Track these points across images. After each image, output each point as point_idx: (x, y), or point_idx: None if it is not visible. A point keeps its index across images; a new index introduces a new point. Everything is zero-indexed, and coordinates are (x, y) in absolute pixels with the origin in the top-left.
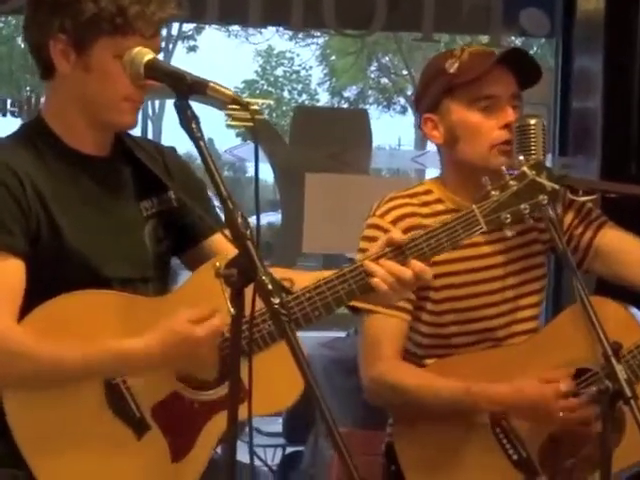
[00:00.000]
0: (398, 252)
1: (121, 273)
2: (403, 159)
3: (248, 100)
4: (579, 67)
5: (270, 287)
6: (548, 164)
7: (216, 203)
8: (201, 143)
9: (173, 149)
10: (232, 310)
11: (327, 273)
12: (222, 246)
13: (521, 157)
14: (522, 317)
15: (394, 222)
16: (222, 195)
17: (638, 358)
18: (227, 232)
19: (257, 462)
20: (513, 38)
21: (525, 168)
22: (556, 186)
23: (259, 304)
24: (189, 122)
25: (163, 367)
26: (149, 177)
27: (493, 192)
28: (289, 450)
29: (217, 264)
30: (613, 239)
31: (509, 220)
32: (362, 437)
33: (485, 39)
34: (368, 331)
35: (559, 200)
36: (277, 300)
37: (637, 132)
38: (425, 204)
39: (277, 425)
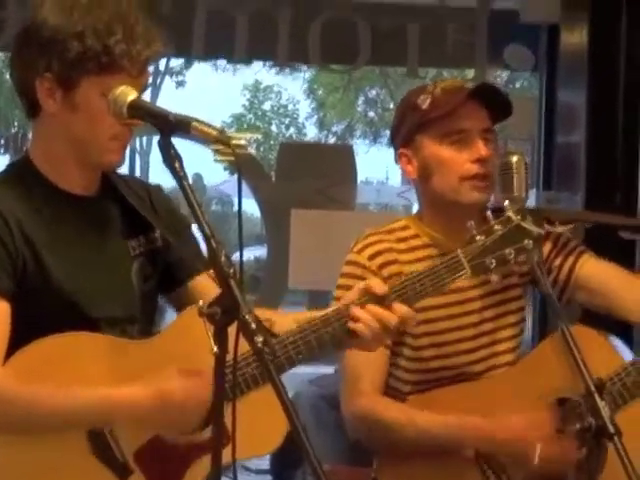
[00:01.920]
0: (384, 298)
1: (109, 313)
2: (390, 194)
3: (232, 136)
4: (563, 101)
5: (253, 326)
6: (532, 199)
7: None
8: (184, 182)
9: (159, 187)
10: (215, 349)
11: (306, 315)
12: (207, 286)
13: (506, 202)
14: (500, 350)
15: (371, 258)
16: (205, 234)
17: (617, 385)
18: (212, 272)
19: None
20: (499, 72)
21: (510, 213)
22: (541, 231)
23: (244, 346)
24: (172, 161)
25: (146, 423)
26: (136, 216)
27: (478, 237)
28: None
29: (200, 303)
30: (592, 269)
31: (494, 265)
32: (349, 473)
33: (471, 73)
34: (348, 366)
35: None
36: (260, 339)
37: (621, 166)
38: (402, 240)
39: (265, 462)
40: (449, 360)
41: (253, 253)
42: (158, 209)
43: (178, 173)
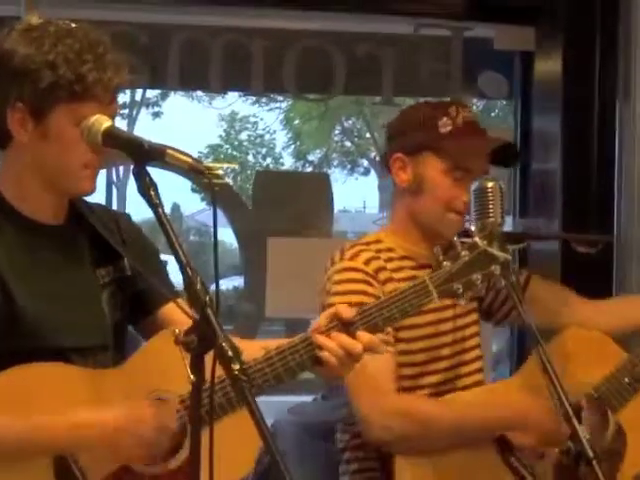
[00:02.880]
0: (349, 324)
1: (79, 343)
2: (367, 222)
3: (208, 166)
4: (538, 128)
5: (230, 354)
6: (508, 227)
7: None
8: (159, 210)
9: (127, 215)
10: (192, 377)
11: (275, 342)
12: (176, 315)
13: (472, 228)
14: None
15: (366, 263)
16: (181, 262)
17: (626, 377)
18: (180, 301)
19: None
20: (475, 101)
21: (477, 239)
22: (508, 256)
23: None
24: (147, 189)
25: (112, 448)
26: (104, 244)
27: (445, 262)
28: None
29: (176, 331)
30: (539, 289)
31: (461, 290)
32: None
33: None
34: (363, 372)
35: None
36: (237, 366)
37: (597, 192)
38: (379, 251)
39: None
40: (424, 379)
41: (232, 283)
42: (126, 237)
43: (153, 201)
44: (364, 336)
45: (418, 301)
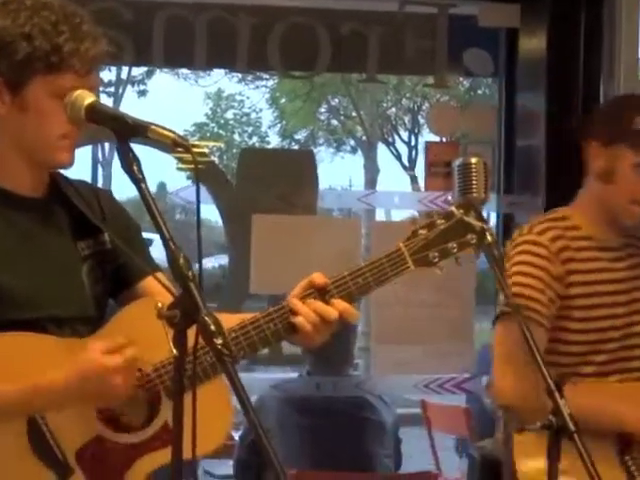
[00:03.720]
0: (325, 292)
1: (57, 313)
2: (353, 199)
3: (191, 142)
4: (522, 106)
5: (213, 328)
6: (493, 203)
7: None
8: (142, 185)
9: (108, 191)
10: (175, 351)
11: (253, 314)
12: (155, 289)
13: (449, 198)
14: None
15: (552, 241)
16: (164, 236)
17: None
18: (159, 275)
19: None
20: (461, 79)
21: (453, 208)
22: (485, 225)
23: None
24: (130, 164)
25: (82, 399)
26: (84, 219)
27: (421, 231)
28: None
29: (159, 305)
30: None
31: (437, 259)
32: (317, 478)
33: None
34: (504, 342)
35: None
36: (220, 341)
37: (581, 171)
38: (565, 229)
39: (229, 467)
40: (619, 320)
41: (218, 261)
42: (107, 213)
43: (136, 176)
44: (339, 304)
45: (393, 269)
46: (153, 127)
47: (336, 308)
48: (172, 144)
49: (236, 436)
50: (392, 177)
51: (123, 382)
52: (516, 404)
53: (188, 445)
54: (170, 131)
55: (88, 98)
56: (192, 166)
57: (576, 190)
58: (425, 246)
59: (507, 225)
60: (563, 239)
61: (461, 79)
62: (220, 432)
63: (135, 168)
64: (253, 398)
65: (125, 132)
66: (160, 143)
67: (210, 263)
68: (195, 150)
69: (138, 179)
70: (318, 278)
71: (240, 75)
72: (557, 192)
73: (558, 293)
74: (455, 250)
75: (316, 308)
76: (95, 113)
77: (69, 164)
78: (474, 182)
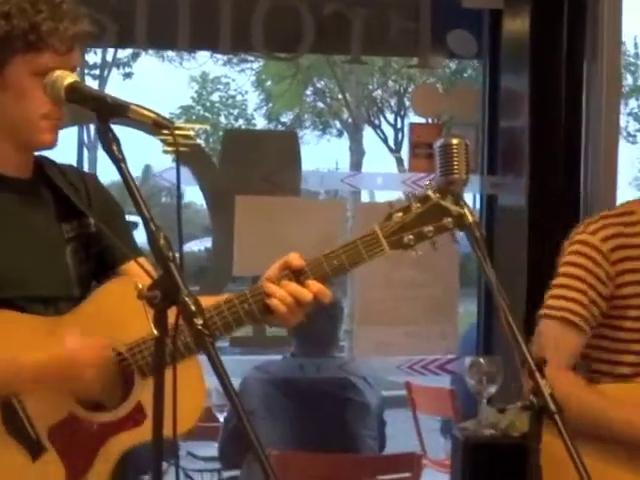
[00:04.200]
0: (299, 273)
1: (41, 292)
2: (337, 181)
3: (177, 124)
4: (506, 87)
5: (193, 308)
6: (476, 185)
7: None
8: (122, 165)
9: (95, 176)
10: (155, 331)
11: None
12: (137, 273)
13: (426, 182)
14: None
15: (603, 240)
16: (145, 217)
17: None
18: (142, 260)
19: None
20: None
21: (429, 192)
22: (462, 210)
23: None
24: (110, 144)
25: (53, 384)
26: (69, 201)
27: (395, 214)
28: (225, 475)
29: (140, 285)
30: None
31: (412, 241)
32: (301, 459)
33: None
34: (543, 334)
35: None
36: (200, 321)
37: (564, 150)
38: (628, 225)
39: (213, 449)
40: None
41: (203, 244)
42: (92, 197)
43: (116, 156)
44: (314, 285)
45: (368, 251)
46: (133, 107)
47: (310, 290)
48: (153, 124)
49: (221, 418)
50: (378, 159)
51: (96, 377)
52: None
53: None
54: (151, 111)
55: (68, 78)
56: (172, 145)
57: (559, 171)
58: (400, 229)
59: (490, 206)
60: (620, 237)
61: (447, 61)
62: (193, 413)
63: (115, 148)
64: (238, 380)
65: (105, 112)
66: (141, 123)
67: (195, 246)
68: (178, 132)
69: (118, 159)
70: (294, 259)
71: (225, 58)
72: (540, 173)
73: (603, 294)
74: (431, 234)
75: (291, 290)
76: (75, 93)
77: (52, 145)
78: (455, 163)
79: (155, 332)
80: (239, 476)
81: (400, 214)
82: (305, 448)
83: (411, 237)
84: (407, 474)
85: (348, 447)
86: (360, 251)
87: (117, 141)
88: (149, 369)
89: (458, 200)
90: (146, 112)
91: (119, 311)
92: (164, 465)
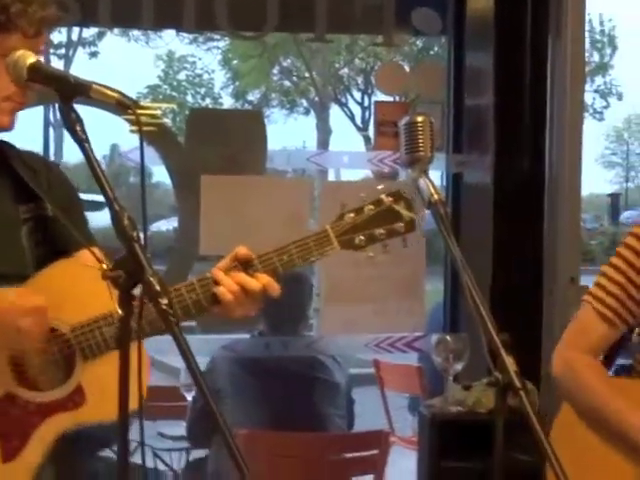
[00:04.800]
0: (249, 265)
1: None
2: (302, 159)
3: (143, 103)
4: (471, 65)
5: (158, 288)
6: (442, 163)
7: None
8: (86, 145)
9: (58, 166)
10: (120, 312)
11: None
12: (89, 261)
13: (380, 186)
14: None
15: None
16: (108, 197)
17: None
18: (95, 249)
19: (162, 466)
20: (414, 39)
21: (383, 195)
22: (413, 216)
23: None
24: (73, 125)
25: None
26: (27, 185)
27: (348, 215)
28: (194, 454)
29: (104, 266)
30: None
31: (363, 242)
32: (269, 438)
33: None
34: (579, 318)
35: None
36: (165, 301)
37: (529, 128)
38: None
39: (182, 429)
40: None
41: (172, 224)
42: (53, 184)
43: (79, 136)
44: (262, 277)
45: (318, 249)
46: (95, 87)
47: (259, 281)
48: (116, 104)
49: (189, 397)
50: (346, 138)
51: (31, 326)
52: (553, 374)
53: (103, 407)
54: (114, 91)
55: (30, 58)
56: (136, 124)
57: (525, 149)
58: (351, 229)
59: (456, 184)
60: None
61: (413, 39)
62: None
63: (78, 128)
64: (206, 359)
65: (68, 92)
66: (104, 103)
67: (164, 226)
68: (142, 111)
69: (81, 139)
70: (242, 250)
71: (191, 37)
72: (505, 151)
73: None
74: (382, 237)
75: (238, 280)
76: (37, 73)
77: (9, 127)
78: (420, 141)
79: (120, 312)
80: (208, 455)
81: (352, 215)
82: (273, 427)
83: (362, 238)
84: (375, 451)
85: (316, 426)
86: (311, 248)
87: (80, 121)
88: (91, 352)
89: (411, 205)
90: (109, 92)
91: (65, 292)
92: (132, 445)
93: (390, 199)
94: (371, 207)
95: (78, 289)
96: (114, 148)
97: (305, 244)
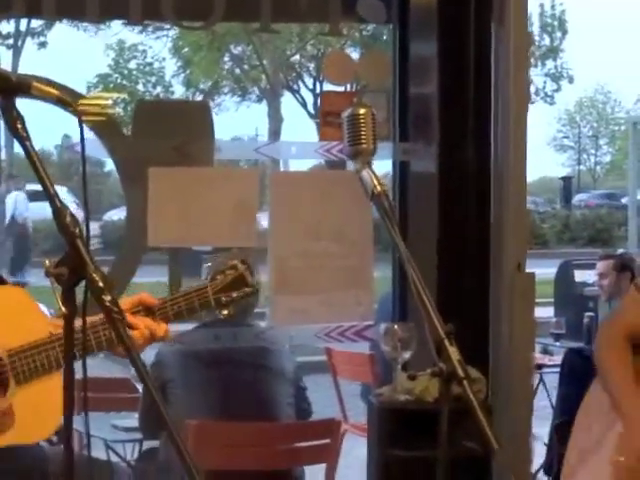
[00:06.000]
0: (151, 312)
1: None
2: (250, 150)
3: (94, 94)
4: (415, 54)
5: (101, 284)
6: (388, 152)
7: None
8: (27, 143)
9: None
10: (64, 309)
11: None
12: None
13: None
14: None
15: None
16: (49, 193)
17: None
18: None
19: (115, 458)
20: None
21: (236, 261)
22: (255, 283)
23: None
24: (14, 122)
25: None
26: None
27: (218, 276)
28: (146, 445)
29: (47, 262)
30: None
31: (227, 302)
32: (220, 428)
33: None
34: (625, 304)
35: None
36: (109, 297)
37: (473, 117)
38: None
39: (134, 420)
40: None
41: (123, 213)
42: None
43: (21, 134)
44: (163, 325)
45: (199, 305)
46: (36, 84)
47: (162, 328)
48: (57, 101)
49: (140, 389)
50: (298, 125)
51: None
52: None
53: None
54: (56, 88)
55: None
56: (94, 119)
57: (469, 137)
58: (221, 290)
59: (403, 173)
60: None
61: (360, 27)
62: (53, 421)
63: (19, 126)
64: (152, 352)
65: (9, 90)
66: (45, 100)
67: (115, 215)
68: (89, 102)
69: (23, 137)
70: (148, 298)
71: (138, 25)
72: (450, 139)
73: None
74: (239, 298)
75: (149, 325)
76: None
77: None
78: (363, 133)
79: (63, 310)
80: (159, 446)
81: (221, 276)
82: (224, 417)
83: (225, 299)
84: (326, 440)
85: (266, 415)
86: (194, 303)
87: (21, 119)
88: (24, 377)
89: (252, 270)
90: (50, 89)
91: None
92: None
93: (244, 266)
94: (231, 272)
95: (16, 314)
96: (66, 138)
97: (189, 298)
